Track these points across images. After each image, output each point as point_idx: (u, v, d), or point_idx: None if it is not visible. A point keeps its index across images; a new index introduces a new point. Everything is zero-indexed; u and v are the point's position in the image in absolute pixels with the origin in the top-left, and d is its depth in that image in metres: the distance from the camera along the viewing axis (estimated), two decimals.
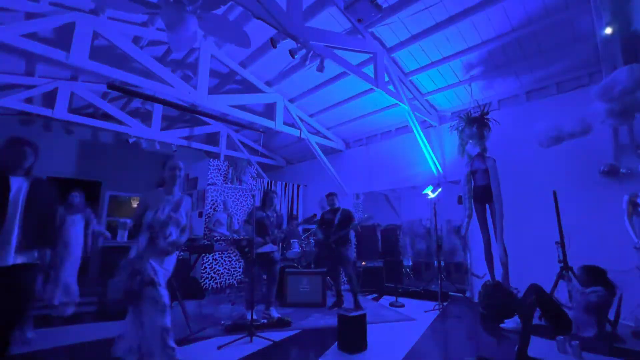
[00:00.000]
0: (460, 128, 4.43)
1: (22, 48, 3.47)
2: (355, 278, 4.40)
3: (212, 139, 7.92)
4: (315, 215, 4.42)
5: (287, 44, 3.87)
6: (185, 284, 4.83)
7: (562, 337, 2.76)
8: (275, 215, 4.04)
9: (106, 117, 6.24)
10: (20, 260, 1.95)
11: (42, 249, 2.10)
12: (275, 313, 3.72)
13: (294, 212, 7.74)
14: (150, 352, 2.09)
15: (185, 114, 6.96)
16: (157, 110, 6.29)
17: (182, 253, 5.33)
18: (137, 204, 2.15)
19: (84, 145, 7.25)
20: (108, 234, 4.51)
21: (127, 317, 2.22)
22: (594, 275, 3.08)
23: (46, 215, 2.16)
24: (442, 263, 5.42)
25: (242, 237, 4.12)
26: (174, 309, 3.70)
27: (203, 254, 5.36)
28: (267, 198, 4.05)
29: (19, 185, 2.01)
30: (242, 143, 7.97)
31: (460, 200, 4.69)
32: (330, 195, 4.75)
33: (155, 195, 2.43)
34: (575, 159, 4.16)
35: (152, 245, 2.26)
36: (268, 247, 3.83)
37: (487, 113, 4.27)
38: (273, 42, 3.92)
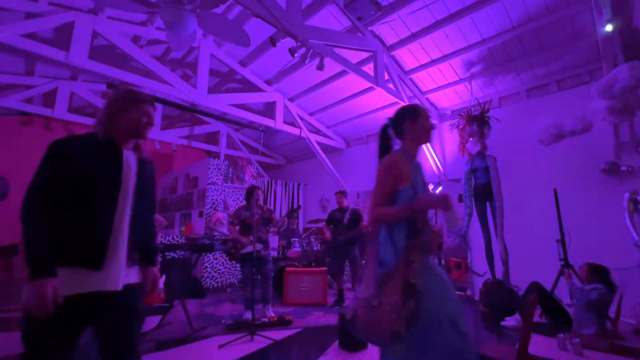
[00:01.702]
0: (460, 126, 4.43)
1: (22, 48, 3.47)
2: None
3: (212, 138, 7.92)
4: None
5: (287, 42, 3.86)
6: (187, 283, 4.84)
7: (562, 335, 2.77)
8: (260, 212, 3.78)
9: None
10: (131, 279, 1.29)
11: (148, 265, 1.40)
12: (270, 312, 3.72)
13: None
14: None
15: (185, 113, 6.96)
16: (157, 109, 6.28)
17: (182, 252, 5.34)
18: (388, 178, 1.36)
19: None
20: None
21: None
22: (599, 273, 3.08)
23: (153, 213, 1.49)
24: (443, 261, 5.43)
25: (228, 238, 4.05)
26: (175, 308, 3.72)
27: (204, 253, 5.37)
28: (248, 196, 3.78)
29: (128, 164, 1.30)
30: (242, 142, 7.97)
31: (460, 198, 4.69)
32: (339, 194, 4.67)
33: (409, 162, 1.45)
34: (576, 156, 4.15)
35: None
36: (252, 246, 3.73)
37: (488, 111, 4.26)
38: (272, 41, 3.92)
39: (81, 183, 1.17)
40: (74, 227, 1.15)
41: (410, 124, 1.47)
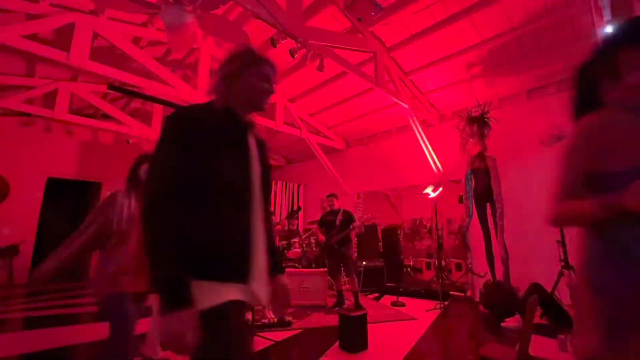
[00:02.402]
0: (460, 127, 4.44)
1: (23, 49, 3.47)
2: (356, 277, 4.43)
3: None
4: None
5: (287, 43, 3.86)
6: None
7: (563, 336, 2.76)
8: None
9: (106, 117, 6.24)
10: None
11: (278, 273, 1.14)
12: (270, 313, 3.72)
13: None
14: None
15: None
16: (157, 110, 6.29)
17: None
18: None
19: (84, 145, 7.26)
20: None
21: None
22: None
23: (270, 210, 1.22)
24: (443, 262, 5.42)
25: None
26: None
27: None
28: None
29: (252, 146, 1.05)
30: None
31: (460, 199, 4.69)
32: (330, 197, 4.76)
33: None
34: None
35: None
36: None
37: (488, 112, 4.27)
38: (273, 42, 3.92)
39: (212, 171, 0.89)
40: (211, 229, 0.88)
41: (634, 53, 0.82)
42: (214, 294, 0.84)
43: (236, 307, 0.88)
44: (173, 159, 0.87)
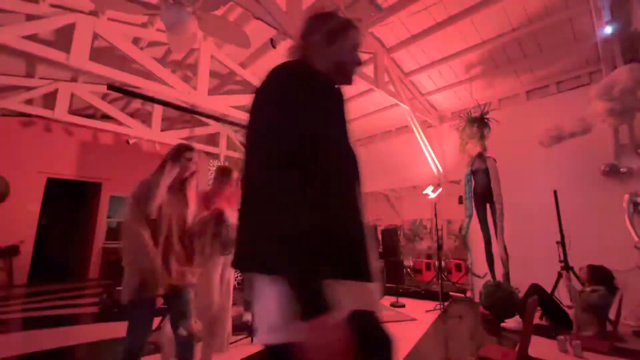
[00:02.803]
0: (460, 128, 4.44)
1: (23, 49, 3.48)
2: None
3: (212, 139, 7.92)
4: None
5: (287, 44, 3.87)
6: None
7: (563, 337, 2.76)
8: None
9: (106, 118, 6.25)
10: None
11: None
12: None
13: None
14: None
15: (185, 115, 6.96)
16: (157, 111, 6.29)
17: None
18: None
19: (84, 146, 7.26)
20: None
21: None
22: (599, 275, 3.08)
23: None
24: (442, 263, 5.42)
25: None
26: None
27: None
28: None
29: None
30: (242, 143, 7.96)
31: (460, 200, 4.69)
32: None
33: None
34: (576, 158, 4.15)
35: None
36: None
37: (487, 112, 4.27)
38: (273, 43, 3.92)
39: (334, 148, 0.77)
40: (335, 215, 0.72)
41: None
42: (345, 300, 0.67)
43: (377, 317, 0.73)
44: (306, 125, 0.69)
